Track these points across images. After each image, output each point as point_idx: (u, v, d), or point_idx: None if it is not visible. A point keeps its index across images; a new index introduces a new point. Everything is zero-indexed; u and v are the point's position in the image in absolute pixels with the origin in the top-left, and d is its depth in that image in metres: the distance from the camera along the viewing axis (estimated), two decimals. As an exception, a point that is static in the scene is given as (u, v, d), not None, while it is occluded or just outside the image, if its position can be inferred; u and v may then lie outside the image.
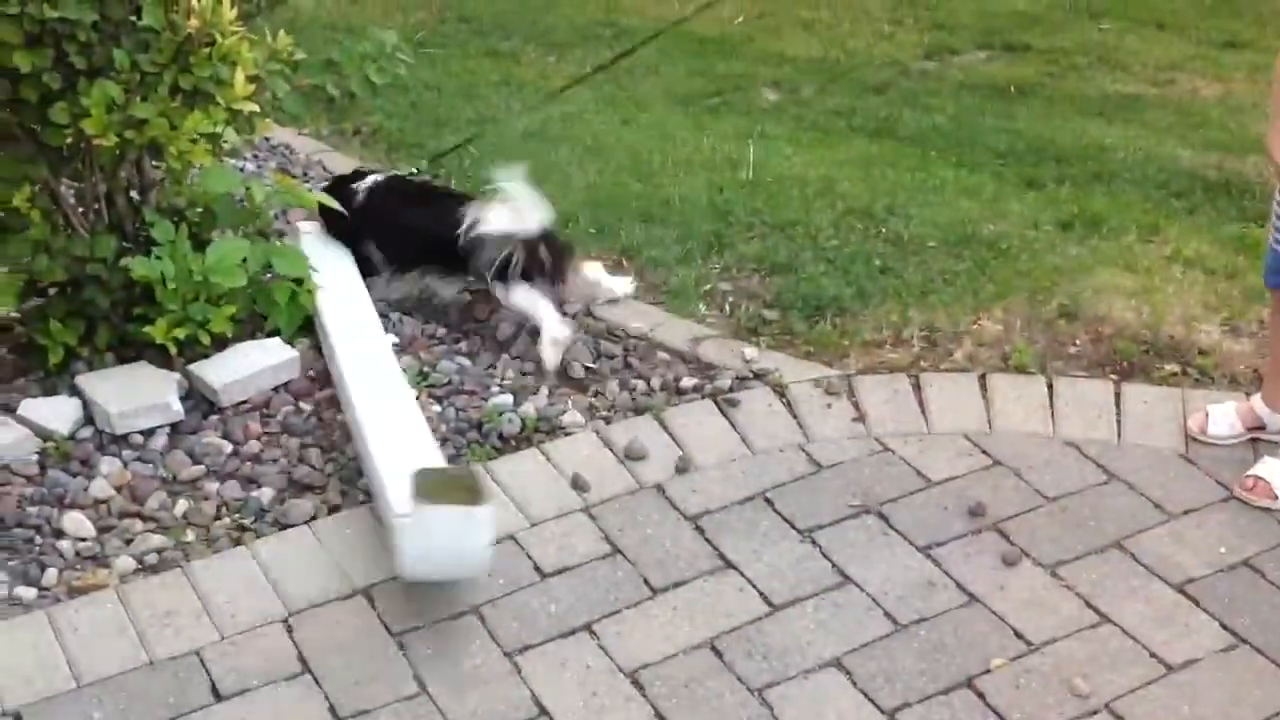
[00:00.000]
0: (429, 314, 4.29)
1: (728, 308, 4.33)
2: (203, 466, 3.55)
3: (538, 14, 8.40)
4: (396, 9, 8.15)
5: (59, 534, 3.32)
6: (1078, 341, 4.13)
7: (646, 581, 3.20)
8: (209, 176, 3.88)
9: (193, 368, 3.79)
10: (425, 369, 3.93)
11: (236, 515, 3.40)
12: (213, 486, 3.49)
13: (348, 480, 3.51)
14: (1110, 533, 3.35)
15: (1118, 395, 3.87)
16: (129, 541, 3.31)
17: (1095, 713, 2.85)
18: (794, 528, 3.37)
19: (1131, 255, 4.69)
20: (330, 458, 3.60)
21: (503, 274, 4.02)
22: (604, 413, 3.79)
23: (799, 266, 4.54)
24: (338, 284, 4.17)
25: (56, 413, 3.64)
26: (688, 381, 3.91)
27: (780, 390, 3.86)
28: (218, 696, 2.88)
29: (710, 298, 4.39)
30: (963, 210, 5.08)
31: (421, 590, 3.15)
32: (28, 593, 3.14)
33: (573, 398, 3.86)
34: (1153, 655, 2.99)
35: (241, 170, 5.14)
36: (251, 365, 3.81)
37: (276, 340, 3.93)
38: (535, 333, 4.02)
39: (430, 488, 3.01)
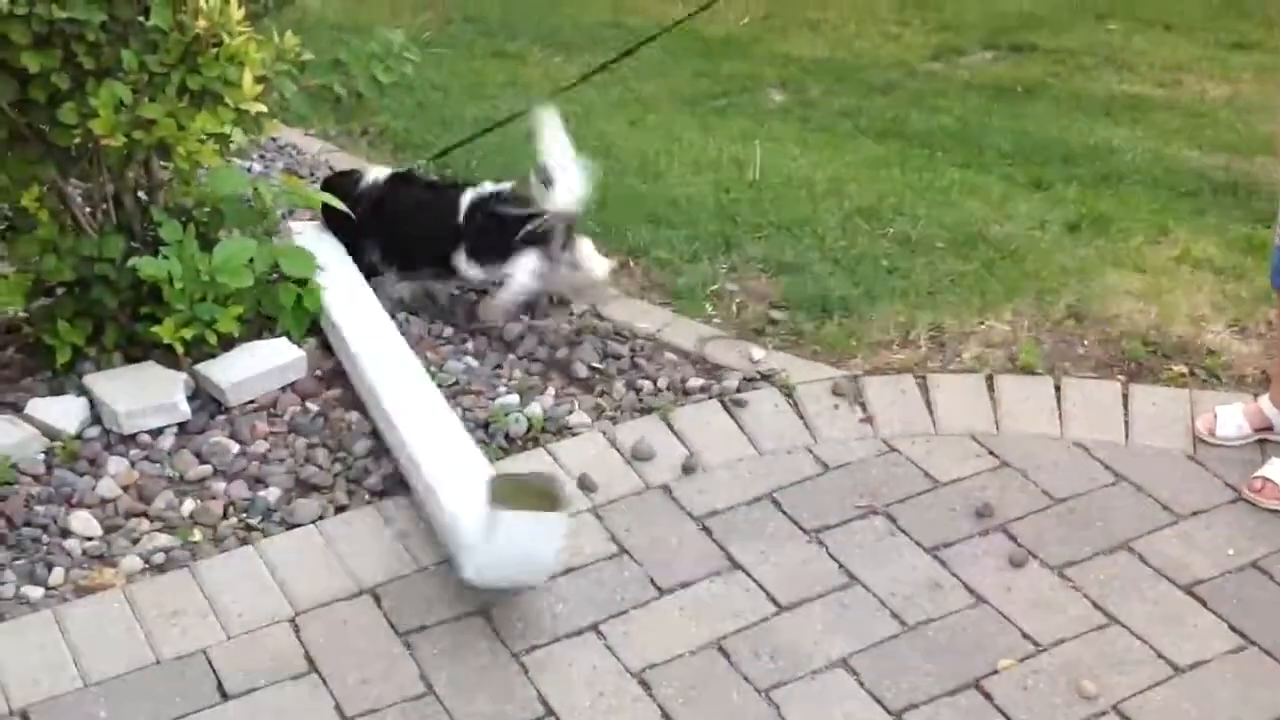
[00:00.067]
0: (435, 314, 4.29)
1: (735, 308, 4.32)
2: (210, 466, 3.55)
3: (544, 14, 8.40)
4: (403, 9, 8.16)
5: (66, 533, 3.33)
6: (1085, 342, 4.13)
7: (653, 582, 3.20)
8: (216, 177, 3.88)
9: (200, 368, 3.80)
10: (432, 369, 3.93)
11: (243, 515, 3.41)
12: (220, 486, 3.49)
13: (355, 480, 3.51)
14: (1118, 534, 3.35)
15: (1125, 396, 3.86)
16: (136, 541, 3.31)
17: (1103, 714, 2.84)
18: (801, 528, 3.37)
19: (1139, 256, 4.68)
20: (337, 458, 3.60)
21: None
22: (611, 413, 3.79)
23: (806, 267, 4.54)
24: (342, 283, 4.17)
25: (64, 412, 3.65)
26: (694, 382, 3.91)
27: (787, 391, 3.86)
28: (224, 696, 2.88)
29: (717, 298, 4.38)
30: (970, 211, 5.07)
31: (428, 590, 3.16)
32: (35, 592, 3.14)
33: (579, 398, 3.86)
34: (1161, 656, 2.99)
35: (249, 171, 5.14)
36: (258, 365, 3.81)
37: (283, 340, 3.93)
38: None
39: (507, 493, 2.95)
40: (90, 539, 3.31)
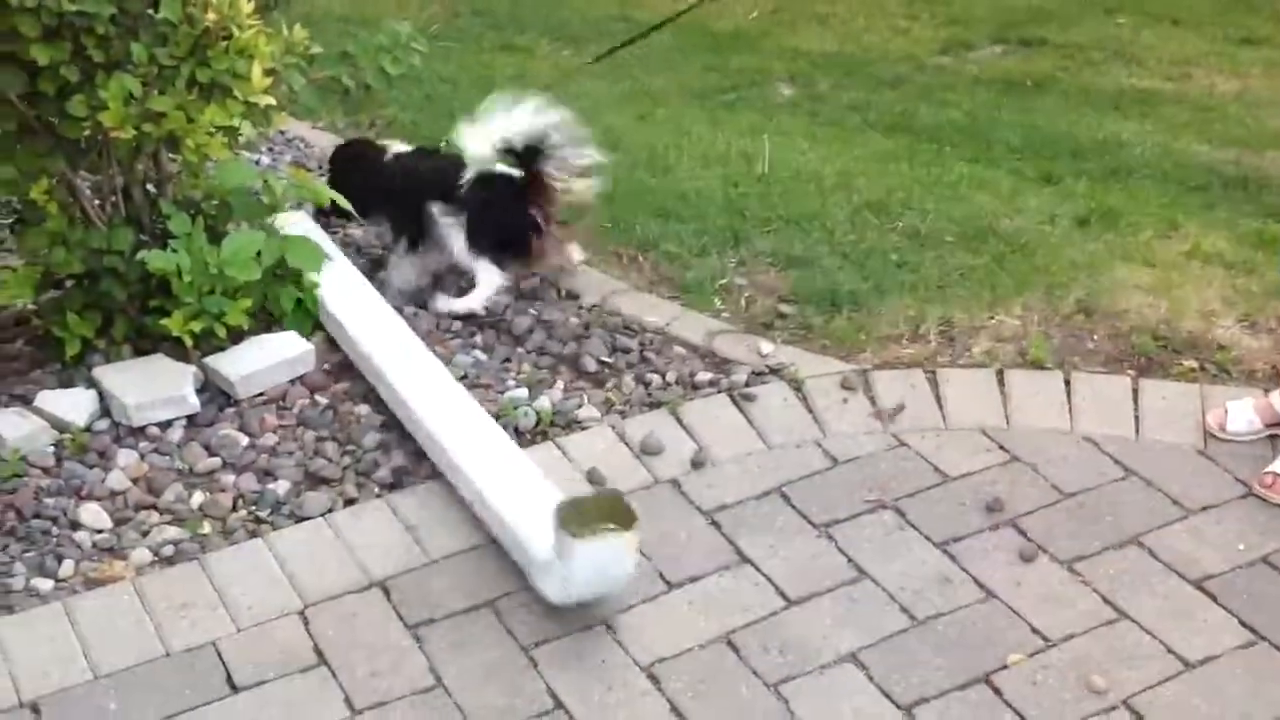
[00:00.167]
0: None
1: (744, 302, 4.32)
2: (219, 459, 3.55)
3: (552, 8, 8.40)
4: (410, 2, 8.15)
5: (76, 526, 3.33)
6: (1095, 337, 4.12)
7: (662, 576, 3.19)
8: (224, 169, 3.88)
9: (209, 360, 3.80)
10: (441, 363, 3.93)
11: (253, 508, 3.41)
12: (229, 479, 3.49)
13: (364, 473, 3.51)
14: (1128, 529, 3.34)
15: (1135, 391, 3.86)
16: (145, 533, 3.32)
17: (1113, 709, 2.84)
18: (810, 523, 3.36)
19: (1149, 250, 4.67)
20: (346, 451, 3.60)
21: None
22: (620, 407, 3.79)
23: (815, 261, 4.53)
24: (341, 275, 4.18)
25: (73, 405, 3.65)
26: (703, 376, 3.90)
27: (796, 385, 3.86)
28: (234, 688, 2.89)
29: (726, 292, 4.38)
30: (979, 205, 5.06)
31: (437, 583, 3.16)
32: (45, 584, 3.15)
33: (588, 392, 3.85)
34: (1170, 652, 2.98)
35: (257, 163, 5.14)
36: (267, 358, 3.81)
37: (292, 333, 3.93)
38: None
39: (578, 519, 2.94)
40: (100, 531, 3.31)
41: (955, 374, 3.92)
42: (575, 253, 4.46)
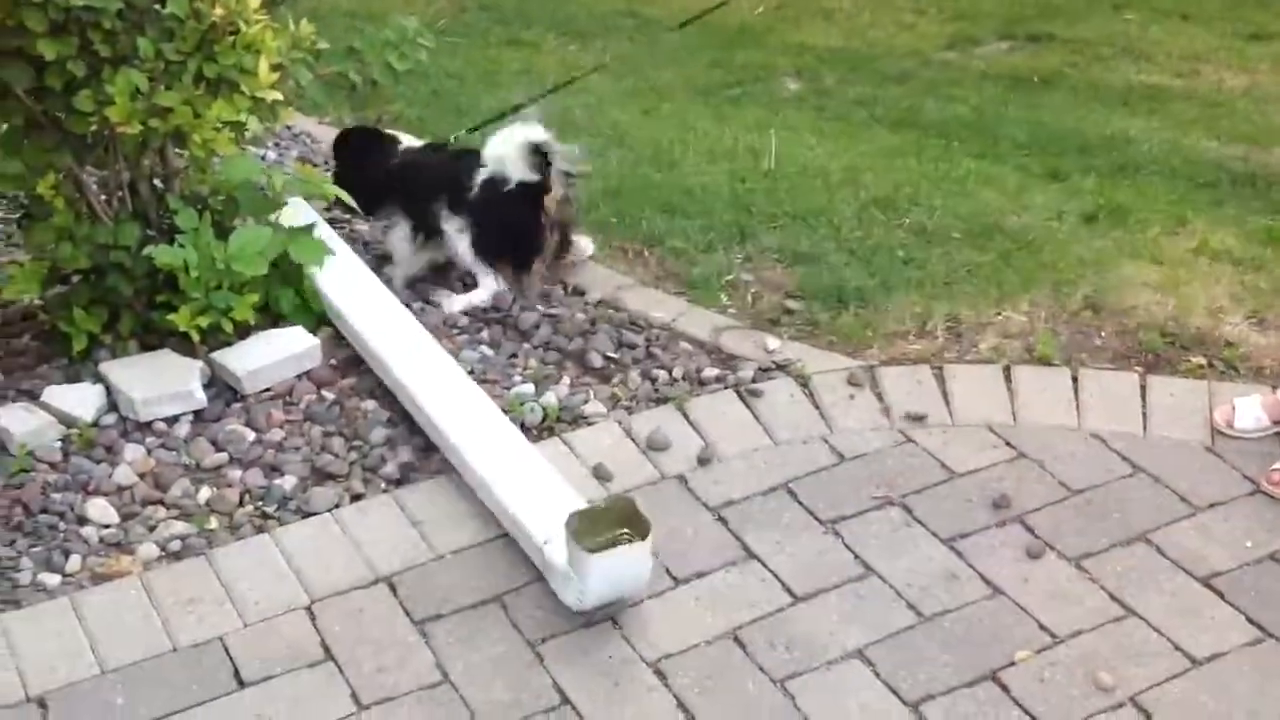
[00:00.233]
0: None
1: (750, 298, 4.31)
2: (226, 454, 3.55)
3: (559, 3, 8.39)
4: (417, -3, 8.16)
5: (83, 521, 3.33)
6: (1103, 333, 4.11)
7: (669, 572, 3.19)
8: (231, 165, 3.88)
9: (216, 355, 3.80)
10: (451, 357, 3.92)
11: (259, 503, 3.41)
12: (236, 474, 3.49)
13: (370, 469, 3.52)
14: (1135, 526, 3.33)
15: (1143, 388, 3.85)
16: (152, 528, 3.32)
17: (1120, 706, 2.83)
18: (817, 519, 3.36)
19: (1157, 247, 4.66)
20: (353, 446, 3.60)
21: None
22: (626, 403, 3.79)
23: (822, 257, 4.53)
24: (345, 268, 4.18)
25: (80, 400, 3.65)
26: (710, 372, 3.90)
27: (803, 381, 3.85)
28: (241, 683, 2.89)
29: (732, 288, 4.37)
30: (986, 201, 5.05)
31: (444, 579, 3.16)
32: (52, 579, 3.15)
33: (595, 387, 3.85)
34: (1178, 649, 2.98)
35: (263, 159, 5.14)
36: (274, 353, 3.81)
37: (299, 328, 3.93)
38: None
39: (590, 529, 2.95)
40: (107, 526, 3.32)
41: (962, 370, 3.92)
42: (586, 245, 4.47)
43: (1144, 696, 2.85)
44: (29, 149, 3.63)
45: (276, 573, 3.17)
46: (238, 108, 3.61)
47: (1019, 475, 3.51)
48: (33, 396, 3.69)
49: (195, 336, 3.76)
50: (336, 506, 3.38)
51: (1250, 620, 3.05)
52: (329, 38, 4.08)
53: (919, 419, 3.70)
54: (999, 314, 4.20)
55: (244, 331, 3.85)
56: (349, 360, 3.93)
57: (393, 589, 3.14)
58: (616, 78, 6.94)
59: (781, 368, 3.91)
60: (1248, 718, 2.81)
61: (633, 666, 2.94)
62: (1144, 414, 3.75)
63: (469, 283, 4.33)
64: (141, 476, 3.47)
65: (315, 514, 3.35)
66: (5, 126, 3.58)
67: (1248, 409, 3.65)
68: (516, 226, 4.22)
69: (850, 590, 3.14)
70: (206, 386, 3.74)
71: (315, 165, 5.04)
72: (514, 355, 4.01)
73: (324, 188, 4.15)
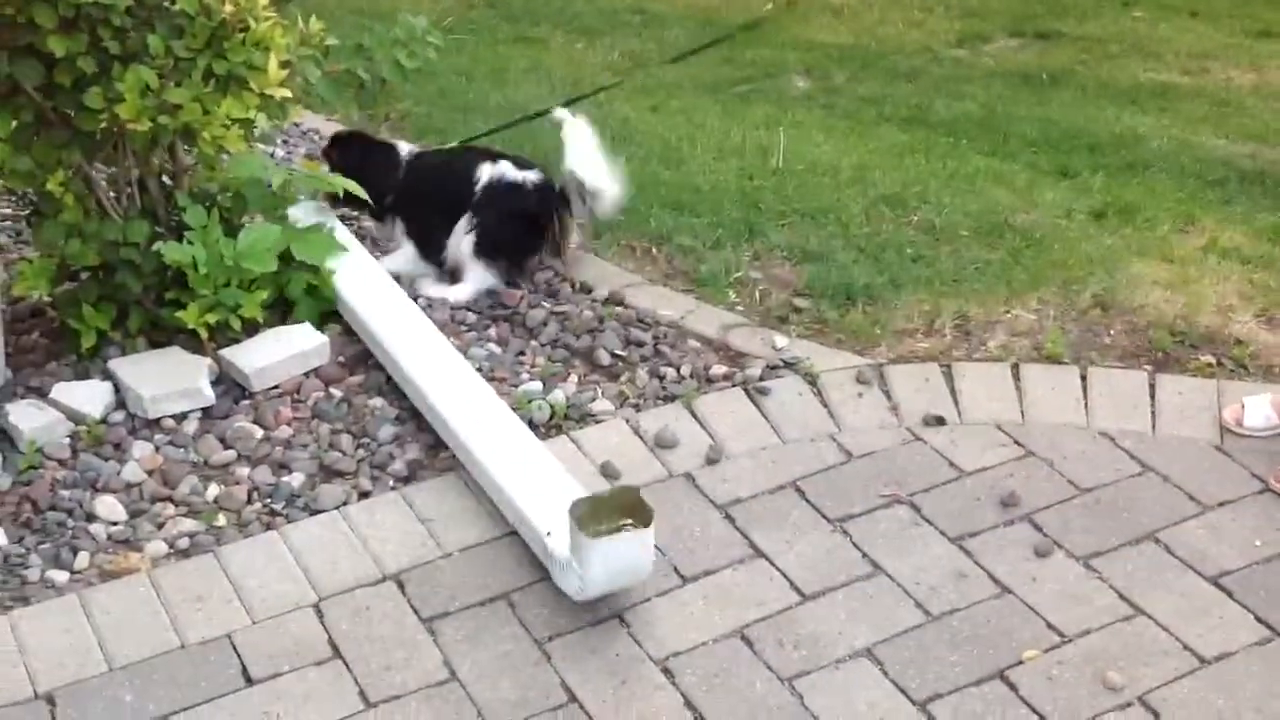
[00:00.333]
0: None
1: (758, 296, 4.31)
2: (234, 451, 3.56)
3: (566, 0, 8.38)
4: (425, -6, 8.16)
5: (91, 517, 3.34)
6: (1112, 332, 4.10)
7: (677, 570, 3.19)
8: (240, 162, 3.89)
9: (224, 353, 3.80)
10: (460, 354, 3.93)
11: (267, 500, 3.41)
12: (244, 471, 3.50)
13: (378, 466, 3.52)
14: (1144, 524, 3.33)
15: (1152, 386, 3.84)
16: (160, 525, 3.32)
17: (1128, 705, 2.83)
18: (825, 517, 3.36)
19: (1166, 245, 4.65)
20: (361, 444, 3.61)
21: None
22: (634, 400, 3.78)
23: (830, 255, 4.52)
24: (357, 265, 4.18)
25: (89, 397, 3.66)
26: (718, 370, 3.90)
27: (811, 379, 3.85)
28: (249, 680, 2.89)
29: (740, 285, 4.37)
30: (995, 199, 5.05)
31: (451, 576, 3.16)
32: (60, 576, 3.15)
33: (602, 385, 3.85)
34: (1186, 648, 2.97)
35: (272, 156, 5.15)
36: (282, 351, 3.82)
37: (307, 325, 3.93)
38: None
39: (592, 517, 2.94)
40: (115, 523, 3.32)
41: (971, 368, 3.91)
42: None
43: (1152, 696, 2.85)
44: (39, 146, 3.64)
45: (284, 570, 3.17)
46: (247, 105, 3.62)
47: (1027, 474, 3.51)
48: (41, 393, 3.70)
49: (204, 334, 3.76)
50: (344, 504, 3.38)
51: (1259, 619, 3.05)
52: (337, 35, 4.09)
53: (939, 421, 3.69)
54: (1008, 312, 4.19)
55: (252, 329, 3.86)
56: (357, 357, 3.93)
57: (400, 587, 3.14)
58: (624, 74, 6.94)
59: (789, 366, 3.90)
60: (1256, 717, 2.80)
61: (640, 665, 2.94)
62: (1153, 413, 3.74)
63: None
64: (150, 474, 3.48)
65: (323, 511, 3.36)
66: (15, 123, 3.59)
67: (1257, 407, 3.64)
68: (517, 228, 4.28)
69: (858, 589, 3.14)
70: (215, 384, 3.75)
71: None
72: (522, 353, 4.01)
73: (333, 184, 4.15)
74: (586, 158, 4.26)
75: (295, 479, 3.47)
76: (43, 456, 3.50)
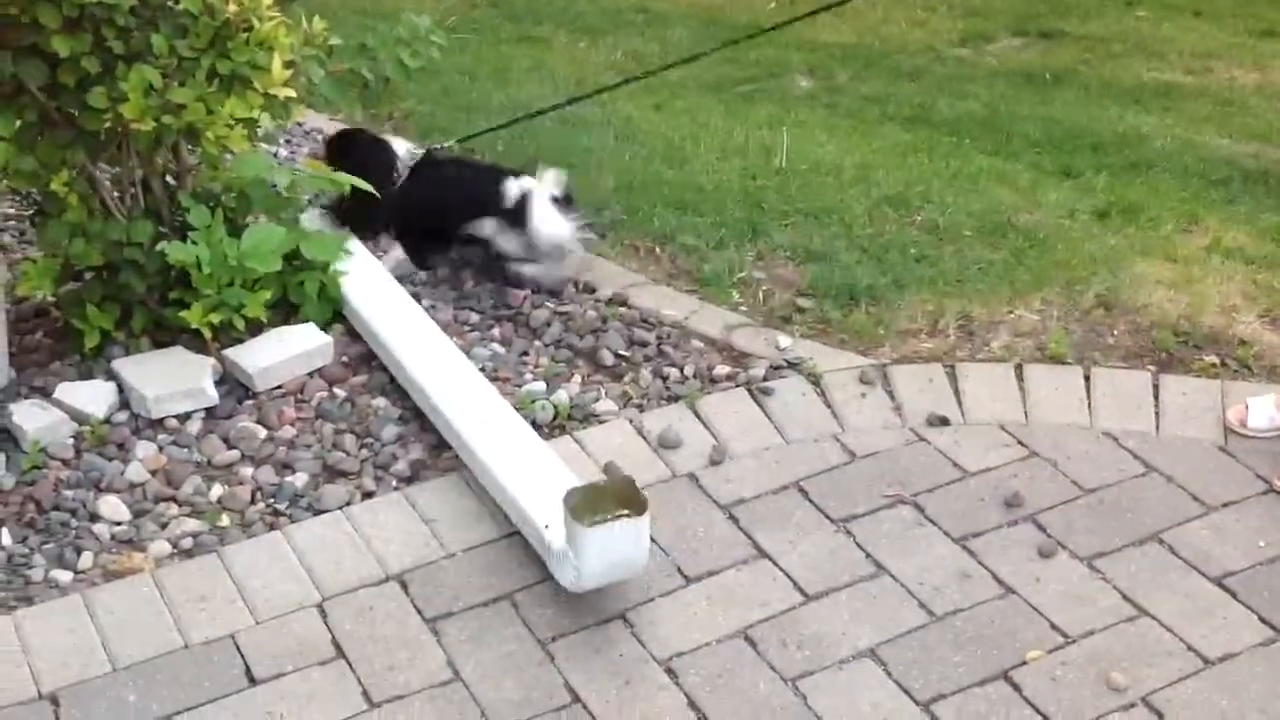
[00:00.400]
0: (461, 301, 4.29)
1: (761, 296, 4.31)
2: (237, 451, 3.56)
3: (569, -1, 8.40)
4: (428, -6, 8.16)
5: (95, 518, 3.34)
6: (1115, 332, 4.10)
7: (680, 570, 3.19)
8: (244, 162, 3.89)
9: (228, 353, 3.80)
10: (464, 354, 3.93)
11: (271, 500, 3.41)
12: (247, 471, 3.50)
13: (382, 466, 3.52)
14: (1148, 525, 3.33)
15: (1156, 386, 3.84)
16: (164, 525, 3.32)
17: (1132, 706, 2.83)
18: (828, 518, 3.36)
19: (1169, 245, 4.65)
20: (364, 444, 3.61)
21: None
22: (637, 401, 3.78)
23: (833, 255, 4.52)
24: (362, 268, 4.18)
25: (92, 397, 3.66)
26: (721, 370, 3.90)
27: (814, 379, 3.85)
28: (252, 680, 2.89)
29: (744, 285, 4.36)
30: (998, 199, 5.04)
31: (455, 576, 3.16)
32: (64, 576, 3.16)
33: (606, 385, 3.85)
34: (1190, 649, 2.97)
35: (275, 156, 5.15)
36: (286, 350, 3.82)
37: (311, 325, 3.93)
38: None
39: (587, 506, 2.94)
40: (119, 524, 3.32)
41: (974, 369, 3.91)
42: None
43: (1156, 696, 2.85)
44: (43, 146, 3.64)
45: (288, 570, 3.18)
46: (251, 104, 3.62)
47: (1031, 474, 3.50)
48: (45, 393, 3.70)
49: (207, 334, 3.76)
50: (348, 504, 3.38)
51: (1263, 620, 3.04)
52: (341, 35, 4.09)
53: (943, 422, 3.69)
54: (1011, 312, 4.19)
55: (256, 329, 3.86)
56: (360, 357, 3.93)
57: (404, 587, 3.14)
58: (627, 73, 6.93)
59: (793, 366, 3.90)
60: (1260, 718, 2.80)
61: (643, 665, 2.94)
62: (1157, 413, 3.74)
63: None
64: (153, 473, 3.48)
65: (327, 511, 3.36)
66: (19, 123, 3.58)
67: (1261, 408, 3.64)
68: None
69: (862, 589, 3.14)
70: (218, 384, 3.75)
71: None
72: (525, 353, 4.01)
73: (337, 183, 4.15)
74: (550, 216, 4.23)
75: (298, 479, 3.47)
76: (46, 456, 3.50)
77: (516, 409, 3.63)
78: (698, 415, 3.71)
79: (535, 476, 3.26)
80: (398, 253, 4.43)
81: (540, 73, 6.79)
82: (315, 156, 4.92)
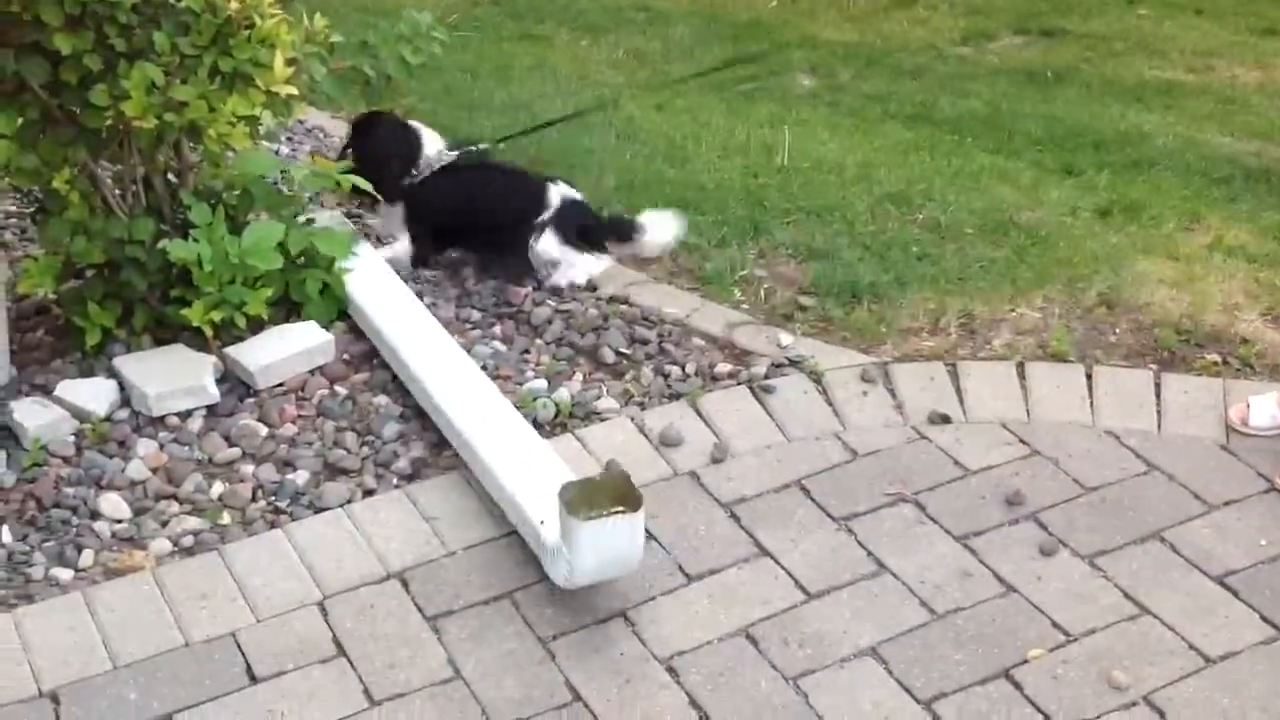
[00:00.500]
0: (463, 298, 4.29)
1: (763, 294, 4.30)
2: (238, 449, 3.56)
3: (571, -3, 8.39)
4: (430, -9, 8.16)
5: (95, 515, 3.34)
6: (1117, 330, 4.10)
7: (681, 569, 3.19)
8: (246, 159, 3.88)
9: (229, 350, 3.80)
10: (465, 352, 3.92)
11: (272, 498, 3.41)
12: (248, 469, 3.50)
13: (383, 464, 3.52)
14: (1150, 523, 3.32)
15: (1157, 385, 3.84)
16: (165, 523, 3.32)
17: (1134, 704, 2.82)
18: (830, 516, 3.35)
19: (1171, 243, 4.64)
20: (365, 442, 3.61)
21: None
22: (639, 399, 3.78)
23: (835, 253, 4.52)
24: (367, 266, 4.18)
25: (93, 394, 3.66)
26: (723, 368, 3.89)
27: (816, 377, 3.85)
28: (253, 679, 2.89)
29: (745, 283, 4.36)
30: (1000, 197, 5.04)
31: (456, 574, 3.16)
32: (64, 574, 3.15)
33: (607, 383, 3.85)
34: (1192, 647, 2.97)
35: (276, 153, 5.14)
36: (287, 348, 3.82)
37: (312, 323, 3.93)
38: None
39: (582, 501, 2.93)
40: (119, 521, 3.32)
41: (976, 367, 3.91)
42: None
43: (1157, 695, 2.84)
44: (44, 143, 3.64)
45: (289, 568, 3.17)
46: (252, 102, 3.62)
47: (1033, 472, 3.50)
48: (46, 391, 3.70)
49: (208, 331, 3.76)
50: (349, 502, 3.38)
51: (1265, 619, 3.04)
52: (342, 32, 4.09)
53: (944, 420, 3.68)
54: (1013, 310, 4.19)
55: (257, 326, 3.86)
56: (362, 355, 3.93)
57: (405, 585, 3.14)
58: (629, 71, 6.94)
59: (795, 364, 3.90)
60: (1262, 716, 2.80)
61: (644, 663, 2.93)
62: (1158, 411, 3.74)
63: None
64: (154, 471, 3.48)
65: (328, 509, 3.35)
66: (21, 121, 3.58)
67: (1263, 407, 3.64)
68: None
69: (863, 587, 3.14)
70: (219, 381, 3.75)
71: (329, 160, 5.04)
72: (527, 351, 4.01)
73: (339, 180, 4.15)
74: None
75: (300, 477, 3.47)
76: (47, 454, 3.50)
77: (518, 407, 3.63)
78: (699, 413, 3.70)
79: (534, 476, 3.26)
80: (401, 247, 4.42)
81: (542, 71, 6.79)
82: (316, 154, 4.92)
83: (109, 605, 3.05)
